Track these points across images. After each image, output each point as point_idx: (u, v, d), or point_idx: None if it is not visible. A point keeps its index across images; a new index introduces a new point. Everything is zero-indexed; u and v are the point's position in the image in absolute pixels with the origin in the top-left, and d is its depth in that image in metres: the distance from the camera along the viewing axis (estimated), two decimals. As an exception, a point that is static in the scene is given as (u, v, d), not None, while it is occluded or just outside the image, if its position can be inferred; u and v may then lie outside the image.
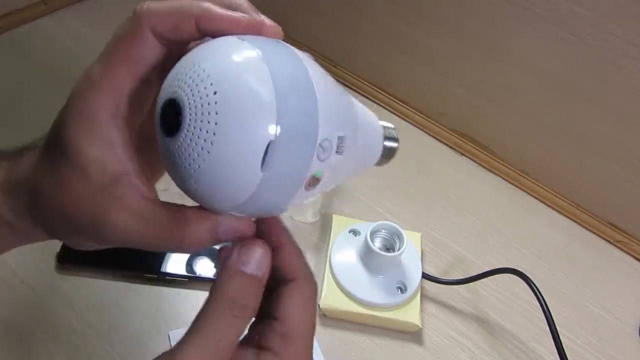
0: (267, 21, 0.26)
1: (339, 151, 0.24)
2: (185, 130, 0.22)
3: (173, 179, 0.24)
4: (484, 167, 0.73)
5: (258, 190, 0.23)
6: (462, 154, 0.74)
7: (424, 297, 0.57)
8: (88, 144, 0.25)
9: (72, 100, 0.26)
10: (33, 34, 0.80)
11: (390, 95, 0.78)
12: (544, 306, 0.52)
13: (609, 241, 0.67)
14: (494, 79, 0.67)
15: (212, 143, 0.21)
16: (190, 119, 0.22)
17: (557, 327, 0.50)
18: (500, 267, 0.56)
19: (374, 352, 0.54)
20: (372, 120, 0.29)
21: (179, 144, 0.22)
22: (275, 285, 0.28)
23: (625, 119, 0.59)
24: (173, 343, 0.52)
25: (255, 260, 0.25)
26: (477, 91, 0.69)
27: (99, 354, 0.50)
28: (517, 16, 0.60)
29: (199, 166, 0.22)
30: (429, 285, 0.58)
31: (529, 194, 0.71)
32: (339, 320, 0.55)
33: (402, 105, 0.77)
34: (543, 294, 0.52)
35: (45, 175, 0.26)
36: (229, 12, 0.25)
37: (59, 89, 0.80)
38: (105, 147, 0.25)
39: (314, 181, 0.24)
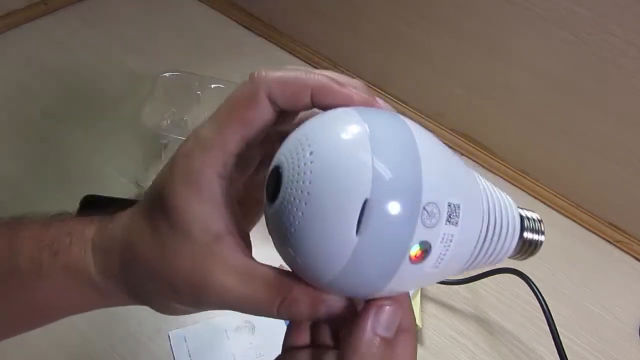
0: (382, 102, 0.26)
1: (451, 221, 0.22)
2: (282, 193, 0.21)
3: (277, 250, 0.23)
4: (484, 167, 0.73)
5: (355, 257, 0.21)
6: (462, 154, 0.74)
7: (424, 297, 0.57)
8: (193, 201, 0.25)
9: (179, 157, 0.26)
10: (33, 34, 0.80)
11: (390, 95, 0.78)
12: (544, 306, 0.52)
13: (609, 241, 0.67)
14: (494, 79, 0.67)
15: (305, 203, 0.21)
16: (286, 182, 0.21)
17: (557, 327, 0.50)
18: (500, 267, 0.56)
19: (374, 352, 0.54)
20: (504, 202, 0.26)
21: (277, 207, 0.22)
22: None
23: (625, 119, 0.59)
24: (173, 343, 0.52)
25: (390, 321, 0.24)
26: (477, 91, 0.69)
27: (99, 354, 0.50)
28: (517, 16, 0.60)
29: (294, 229, 0.21)
30: (429, 285, 0.58)
31: (529, 194, 0.71)
32: (339, 320, 0.55)
33: (402, 105, 0.77)
34: (543, 294, 0.52)
35: (142, 233, 0.26)
36: (344, 89, 0.25)
37: (60, 89, 0.81)
38: (209, 205, 0.25)
39: (422, 253, 0.21)
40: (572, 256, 0.65)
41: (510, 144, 0.71)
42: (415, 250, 0.21)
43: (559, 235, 0.67)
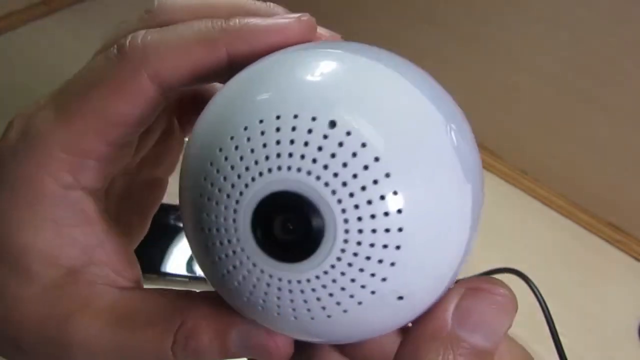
0: (323, 31, 0.18)
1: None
2: (328, 254, 0.14)
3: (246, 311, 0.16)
4: (483, 167, 0.73)
5: (468, 247, 0.18)
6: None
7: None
8: (26, 225, 0.17)
9: (7, 159, 0.17)
10: (33, 35, 0.80)
11: (390, 95, 0.78)
12: (544, 306, 0.51)
13: (608, 241, 0.67)
14: (494, 79, 0.67)
15: (392, 264, 0.15)
16: (338, 236, 0.14)
17: (557, 327, 0.50)
18: (500, 267, 0.56)
19: (374, 352, 0.54)
20: None
21: (310, 274, 0.14)
22: None
23: (625, 119, 0.59)
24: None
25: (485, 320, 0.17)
26: (476, 91, 0.69)
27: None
28: (517, 16, 0.60)
29: (344, 310, 0.14)
30: (429, 285, 0.58)
31: (529, 194, 0.71)
32: (339, 321, 0.54)
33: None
34: (543, 294, 0.52)
35: None
36: (272, 20, 0.17)
37: (59, 90, 0.80)
38: (51, 227, 0.17)
39: None
40: (572, 256, 0.65)
41: (510, 144, 0.71)
42: None
43: (559, 235, 0.67)
